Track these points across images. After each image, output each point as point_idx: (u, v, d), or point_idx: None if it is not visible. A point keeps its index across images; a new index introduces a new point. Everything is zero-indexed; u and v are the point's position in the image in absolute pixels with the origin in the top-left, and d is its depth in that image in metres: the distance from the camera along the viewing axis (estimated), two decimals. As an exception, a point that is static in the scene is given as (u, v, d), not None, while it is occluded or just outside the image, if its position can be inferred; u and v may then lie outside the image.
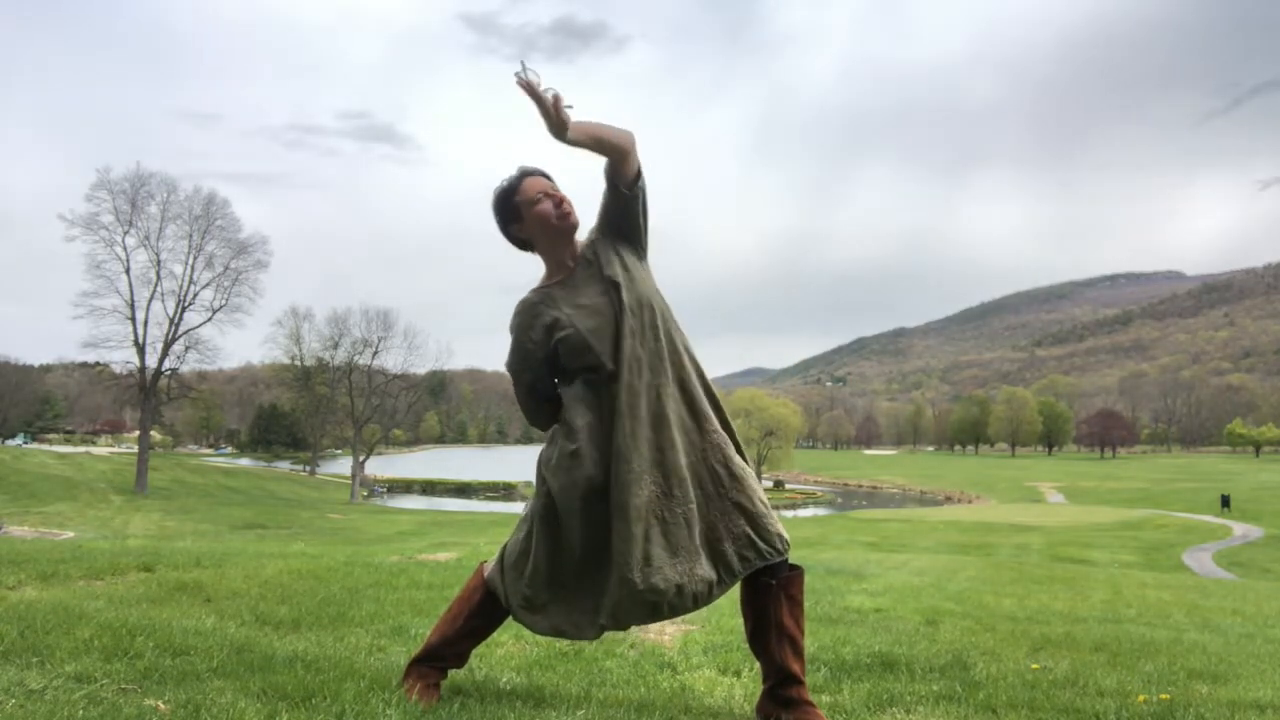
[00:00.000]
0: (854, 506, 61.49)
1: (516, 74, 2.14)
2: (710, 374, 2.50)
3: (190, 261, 43.88)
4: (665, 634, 3.68)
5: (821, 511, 57.25)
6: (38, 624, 3.02)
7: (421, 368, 60.36)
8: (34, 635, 2.86)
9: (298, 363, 57.94)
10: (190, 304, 43.83)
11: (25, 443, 78.34)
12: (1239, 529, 34.02)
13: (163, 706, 2.16)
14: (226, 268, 44.84)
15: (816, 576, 6.55)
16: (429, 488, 70.42)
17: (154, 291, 42.89)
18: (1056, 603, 6.17)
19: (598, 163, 2.37)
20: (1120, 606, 6.28)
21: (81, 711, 2.07)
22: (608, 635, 3.36)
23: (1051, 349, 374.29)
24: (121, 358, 44.12)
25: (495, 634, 2.84)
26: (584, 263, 2.43)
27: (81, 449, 69.38)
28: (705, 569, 2.30)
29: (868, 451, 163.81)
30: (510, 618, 2.48)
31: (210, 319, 44.35)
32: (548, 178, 2.46)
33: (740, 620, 2.52)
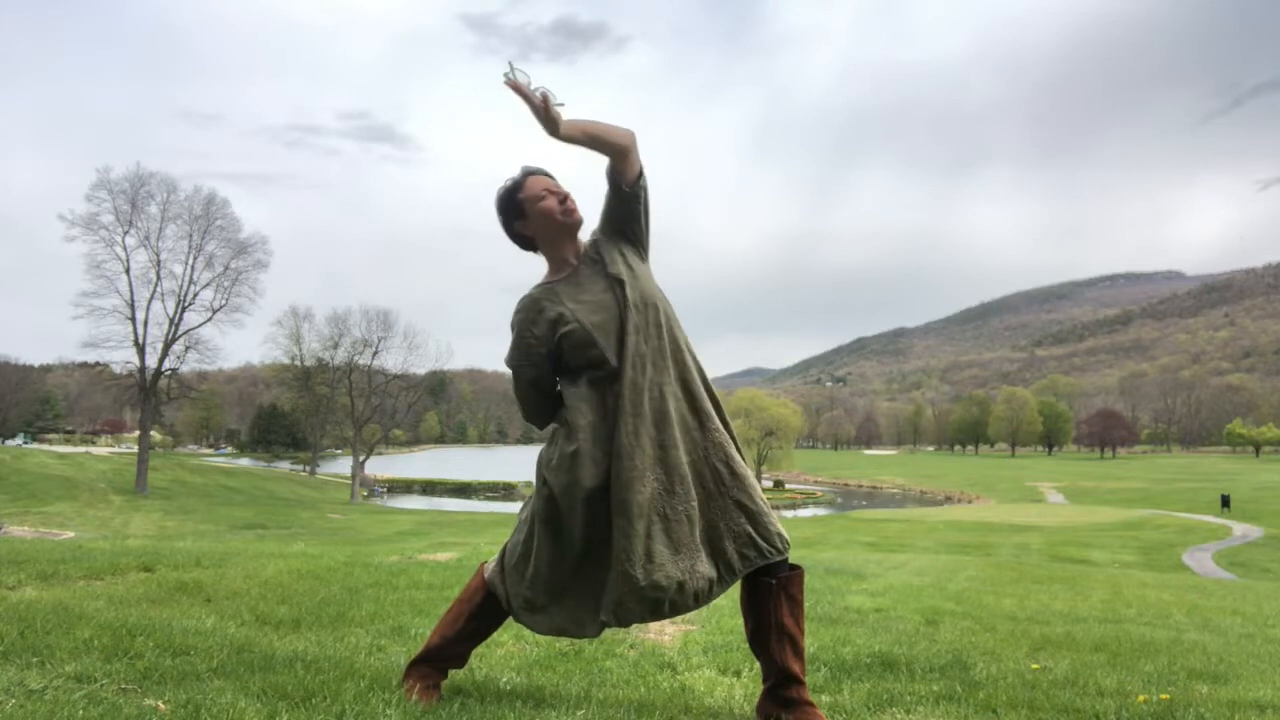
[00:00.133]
0: (854, 506, 61.46)
1: (505, 74, 2.18)
2: (710, 374, 2.50)
3: (190, 261, 43.92)
4: (665, 634, 3.68)
5: (821, 511, 57.20)
6: (38, 624, 3.02)
7: (421, 368, 60.39)
8: (34, 635, 2.86)
9: (298, 363, 57.91)
10: (190, 304, 43.86)
11: (25, 443, 78.31)
12: (1239, 529, 33.98)
13: (163, 706, 2.16)
14: (226, 268, 44.87)
15: (816, 576, 6.55)
16: (429, 488, 70.41)
17: (154, 291, 42.92)
18: (1056, 603, 6.17)
19: (599, 165, 2.38)
20: (1120, 606, 6.28)
21: (81, 711, 2.07)
22: (608, 635, 3.36)
23: (1051, 349, 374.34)
24: (121, 358, 44.15)
25: (495, 634, 2.84)
26: (588, 260, 2.44)
27: (81, 449, 69.34)
28: (706, 566, 2.30)
29: (868, 451, 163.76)
30: (510, 618, 2.48)
31: (210, 319, 44.40)
32: (550, 177, 2.48)
33: (740, 620, 2.53)
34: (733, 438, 2.45)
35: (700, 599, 2.30)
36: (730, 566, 2.31)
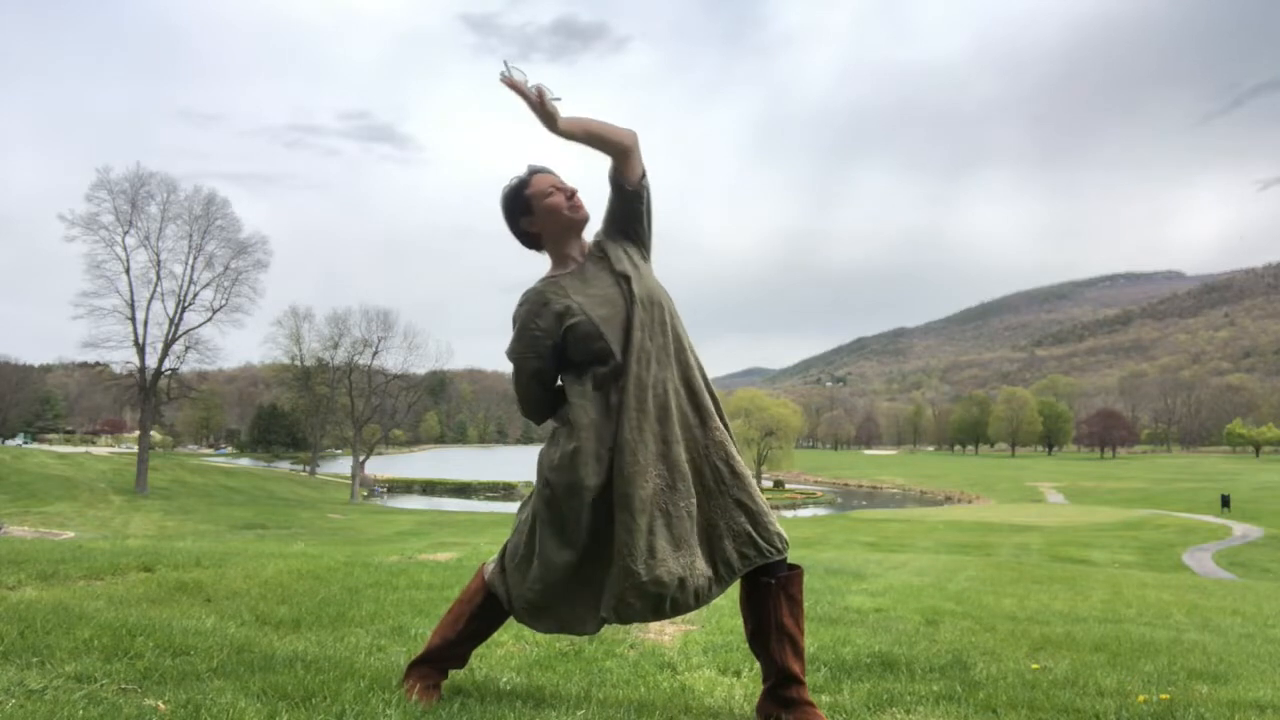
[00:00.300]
0: (854, 506, 61.47)
1: (501, 73, 2.20)
2: (710, 374, 2.51)
3: (190, 261, 43.94)
4: (665, 634, 3.68)
5: (821, 511, 57.21)
6: (38, 624, 3.02)
7: (421, 368, 60.41)
8: (34, 635, 2.86)
9: (298, 363, 57.93)
10: (190, 304, 43.87)
11: (25, 443, 78.32)
12: (1239, 529, 33.98)
13: (163, 706, 2.16)
14: (226, 268, 44.89)
15: (816, 576, 6.55)
16: (429, 488, 70.41)
17: (154, 291, 42.93)
18: (1056, 603, 6.17)
19: (603, 164, 2.38)
20: (1120, 606, 6.28)
21: (81, 711, 2.07)
22: (608, 635, 3.37)
23: (1051, 349, 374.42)
24: (121, 358, 44.17)
25: (495, 634, 2.84)
26: (593, 257, 2.45)
27: (81, 449, 69.35)
28: (706, 564, 2.30)
29: (868, 451, 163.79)
30: (511, 618, 2.48)
31: (210, 319, 44.41)
32: (556, 175, 2.49)
33: (740, 620, 2.52)
34: (731, 438, 2.45)
35: (701, 597, 2.30)
36: (730, 565, 2.31)
